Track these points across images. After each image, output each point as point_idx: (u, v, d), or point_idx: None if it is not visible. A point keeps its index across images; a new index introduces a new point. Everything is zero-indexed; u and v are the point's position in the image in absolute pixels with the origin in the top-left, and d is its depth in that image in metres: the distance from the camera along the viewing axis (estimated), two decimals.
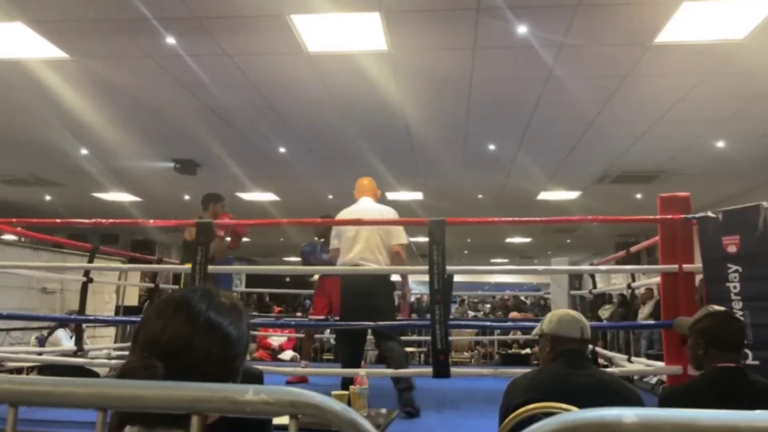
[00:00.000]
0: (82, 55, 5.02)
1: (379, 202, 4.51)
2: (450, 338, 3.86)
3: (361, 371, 3.22)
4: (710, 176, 8.39)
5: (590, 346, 3.72)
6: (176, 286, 6.43)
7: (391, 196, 10.18)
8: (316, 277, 5.85)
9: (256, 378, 2.14)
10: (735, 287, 3.24)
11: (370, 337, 8.89)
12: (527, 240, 16.08)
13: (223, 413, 0.71)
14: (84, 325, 5.46)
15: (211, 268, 3.84)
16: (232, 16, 4.34)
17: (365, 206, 4.28)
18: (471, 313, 15.35)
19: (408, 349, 9.09)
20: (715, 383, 1.95)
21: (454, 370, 3.55)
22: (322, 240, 5.57)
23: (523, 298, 16.42)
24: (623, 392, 1.87)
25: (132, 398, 0.72)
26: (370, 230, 4.13)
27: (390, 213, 4.26)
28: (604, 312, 9.72)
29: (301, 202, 10.53)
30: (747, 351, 3.08)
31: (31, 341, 6.84)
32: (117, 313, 7.69)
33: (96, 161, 8.30)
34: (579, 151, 7.52)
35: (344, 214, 4.28)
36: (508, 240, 16.00)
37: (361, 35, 4.58)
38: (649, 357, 6.23)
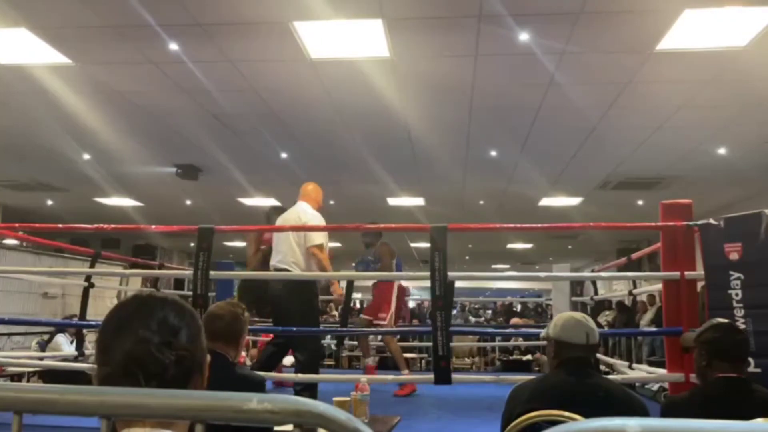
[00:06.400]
0: (85, 61, 5.04)
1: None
2: (451, 344, 3.86)
3: (363, 377, 3.21)
4: (712, 183, 8.39)
5: None
6: (179, 292, 6.42)
7: (392, 201, 10.19)
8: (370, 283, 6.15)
9: (258, 385, 2.14)
10: (737, 294, 3.24)
11: (371, 342, 8.90)
12: (529, 246, 16.06)
13: (226, 422, 0.71)
14: (85, 330, 5.46)
15: (212, 273, 3.84)
16: (235, 23, 4.36)
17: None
18: (472, 319, 15.33)
19: (409, 355, 9.08)
20: (717, 392, 1.96)
21: (455, 376, 3.55)
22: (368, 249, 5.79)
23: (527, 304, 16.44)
24: (628, 402, 1.87)
25: (136, 406, 0.72)
26: None
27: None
28: (603, 318, 9.70)
29: None
30: (749, 359, 3.08)
31: (33, 346, 6.84)
32: None
33: (98, 166, 8.32)
34: (581, 158, 7.53)
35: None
36: (510, 246, 15.98)
37: (363, 42, 4.59)
38: (651, 364, 6.22)
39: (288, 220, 4.49)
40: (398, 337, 6.92)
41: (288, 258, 4.31)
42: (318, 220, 4.47)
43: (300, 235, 4.33)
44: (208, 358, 1.00)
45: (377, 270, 5.59)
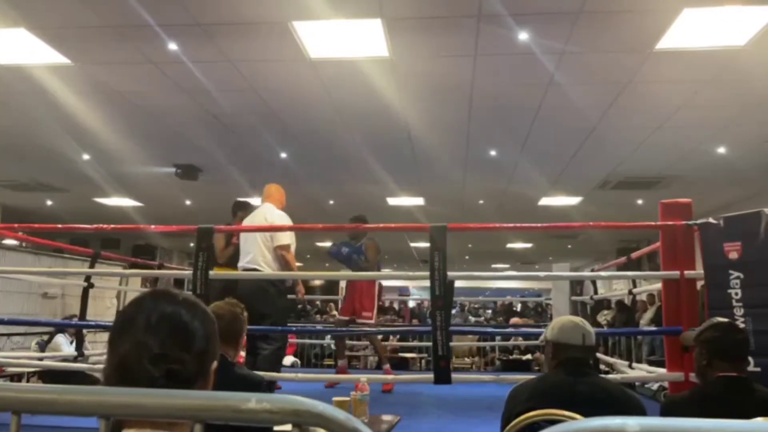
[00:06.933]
0: (85, 61, 5.04)
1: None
2: (451, 344, 3.87)
3: (363, 377, 3.21)
4: (711, 182, 8.39)
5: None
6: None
7: (392, 201, 10.19)
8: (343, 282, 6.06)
9: (258, 385, 2.14)
10: (737, 294, 3.24)
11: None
12: (528, 245, 16.07)
13: (225, 422, 0.71)
14: (85, 331, 5.45)
15: (211, 274, 3.84)
16: (234, 23, 4.35)
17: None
18: (472, 319, 15.34)
19: (409, 355, 9.10)
20: (717, 392, 1.96)
21: (455, 376, 3.54)
22: (353, 241, 5.69)
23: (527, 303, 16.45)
24: (625, 400, 1.87)
25: (134, 406, 0.72)
26: None
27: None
28: (602, 317, 9.72)
29: (302, 207, 10.53)
30: (749, 358, 3.08)
31: (32, 346, 6.83)
32: None
33: (98, 166, 8.32)
34: (580, 157, 7.53)
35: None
36: (510, 245, 15.98)
37: (363, 42, 4.59)
38: (651, 363, 6.22)
39: (255, 222, 4.57)
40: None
41: (258, 258, 4.40)
42: (285, 220, 4.54)
43: (267, 236, 4.42)
44: (215, 364, 0.98)
45: (361, 263, 5.53)
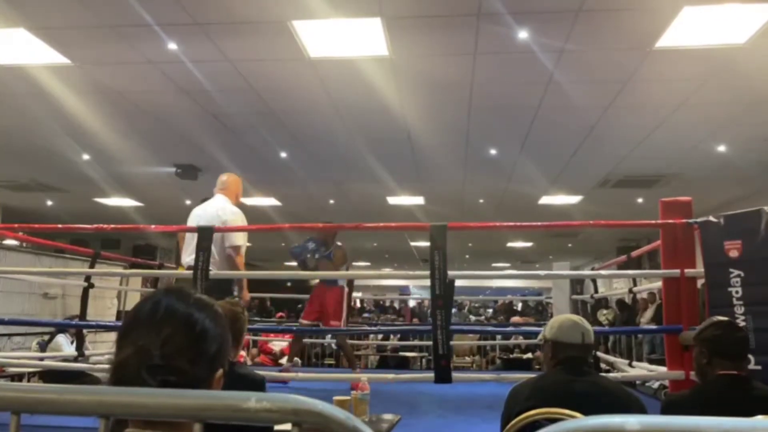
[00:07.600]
0: (85, 61, 5.04)
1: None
2: (451, 343, 3.86)
3: (363, 376, 3.21)
4: (712, 181, 8.39)
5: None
6: None
7: (392, 200, 10.19)
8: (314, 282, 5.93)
9: (258, 384, 2.14)
10: (737, 292, 3.24)
11: (371, 342, 8.88)
12: (529, 244, 16.06)
13: (225, 421, 0.71)
14: (85, 331, 5.45)
15: (212, 273, 3.84)
16: (234, 22, 4.35)
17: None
18: (473, 318, 15.35)
19: (409, 354, 9.10)
20: (718, 390, 1.96)
21: (455, 375, 3.55)
22: (323, 248, 5.55)
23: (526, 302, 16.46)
24: (625, 399, 1.87)
25: (135, 406, 0.72)
26: None
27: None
28: (602, 317, 9.72)
29: (302, 206, 10.54)
30: (749, 356, 3.08)
31: (33, 346, 6.84)
32: (118, 318, 7.69)
33: (98, 166, 8.32)
34: (580, 156, 7.53)
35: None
36: (510, 244, 15.98)
37: (362, 41, 4.59)
38: (651, 362, 6.22)
39: (205, 216, 4.11)
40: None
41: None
42: (239, 217, 4.16)
43: (218, 234, 4.00)
44: (221, 371, 0.94)
45: (325, 262, 5.38)
